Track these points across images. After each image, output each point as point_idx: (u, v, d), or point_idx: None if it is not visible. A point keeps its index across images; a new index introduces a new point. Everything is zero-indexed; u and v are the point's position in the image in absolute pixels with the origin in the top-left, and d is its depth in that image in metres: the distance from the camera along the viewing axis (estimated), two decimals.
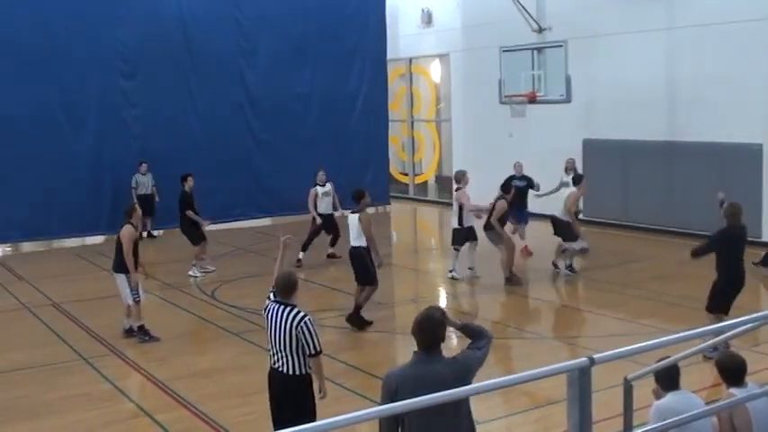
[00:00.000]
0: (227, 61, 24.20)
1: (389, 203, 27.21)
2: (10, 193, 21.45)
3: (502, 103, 24.81)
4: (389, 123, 27.78)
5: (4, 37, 21.15)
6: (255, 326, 13.63)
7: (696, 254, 11.29)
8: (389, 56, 27.42)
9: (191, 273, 17.79)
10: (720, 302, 11.17)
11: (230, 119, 24.26)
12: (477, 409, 9.00)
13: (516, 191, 18.00)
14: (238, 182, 24.12)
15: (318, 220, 18.58)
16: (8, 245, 22.31)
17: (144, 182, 22.31)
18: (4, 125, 21.23)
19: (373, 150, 26.61)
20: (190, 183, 17.99)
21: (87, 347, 12.84)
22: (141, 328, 13.08)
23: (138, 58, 22.92)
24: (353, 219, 13.36)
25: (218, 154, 23.69)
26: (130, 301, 12.95)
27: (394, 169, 29.49)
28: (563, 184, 18.98)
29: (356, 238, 13.34)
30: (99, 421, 9.98)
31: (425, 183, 30.22)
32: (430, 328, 5.59)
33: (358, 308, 13.41)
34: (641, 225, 21.21)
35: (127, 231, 12.85)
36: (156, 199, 22.42)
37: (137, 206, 14.07)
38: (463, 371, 5.50)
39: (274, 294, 7.73)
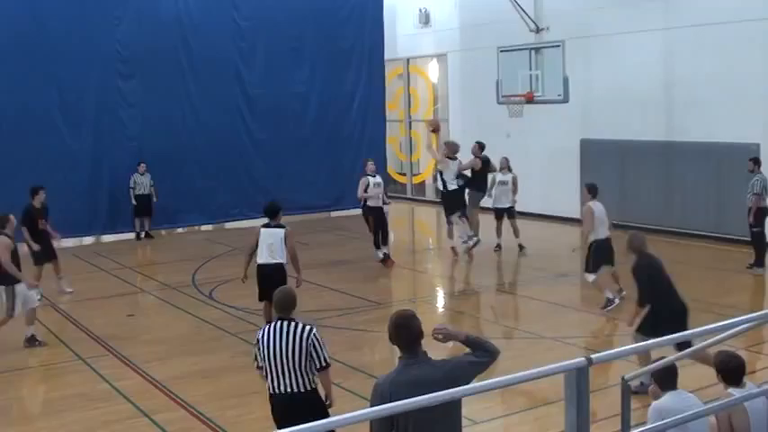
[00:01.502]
0: (224, 62, 24.21)
1: (388, 203, 27.15)
2: (6, 193, 21.37)
3: (499, 103, 24.82)
4: (387, 123, 27.79)
5: (2, 37, 21.12)
6: (253, 325, 13.65)
7: (641, 304, 10.14)
8: (387, 56, 27.42)
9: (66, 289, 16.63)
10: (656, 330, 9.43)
11: (227, 119, 24.26)
12: (475, 409, 9.10)
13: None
14: (236, 182, 24.13)
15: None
16: None
17: (142, 182, 22.31)
18: (1, 124, 21.22)
19: (370, 150, 26.54)
20: (40, 197, 16.40)
21: (85, 348, 12.84)
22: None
23: (136, 59, 22.91)
24: (274, 233, 12.37)
25: (215, 154, 23.69)
26: (18, 311, 12.77)
27: (391, 169, 29.50)
28: (501, 183, 19.47)
29: (277, 254, 12.30)
30: (98, 421, 9.98)
31: (423, 183, 30.22)
32: (406, 323, 5.52)
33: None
34: (638, 225, 21.13)
35: (1, 242, 12.75)
36: (154, 199, 22.42)
37: (11, 216, 13.51)
38: (453, 376, 5.29)
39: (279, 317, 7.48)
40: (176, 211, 23.29)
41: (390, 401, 4.95)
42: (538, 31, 23.70)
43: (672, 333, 8.68)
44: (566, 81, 23.01)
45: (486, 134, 25.39)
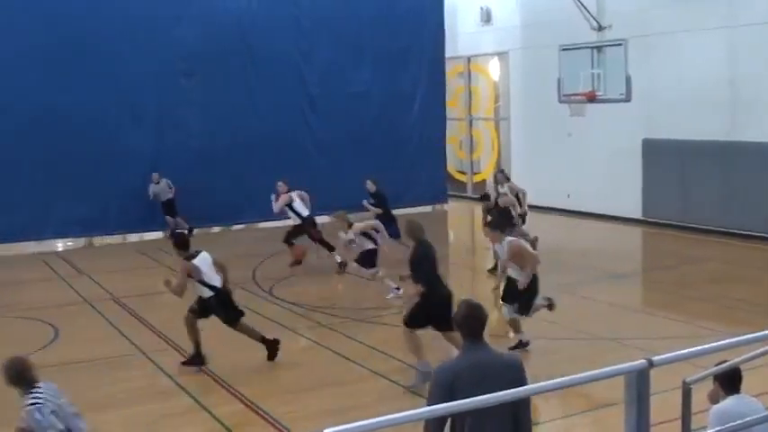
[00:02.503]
0: (285, 60, 24.38)
1: (447, 202, 27.19)
2: (71, 190, 21.82)
3: (561, 102, 24.66)
4: (447, 122, 27.77)
5: (64, 37, 21.51)
6: (312, 322, 13.76)
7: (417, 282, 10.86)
8: (448, 54, 27.38)
9: None
10: (420, 318, 10.79)
11: (288, 118, 24.41)
12: (537, 409, 9.03)
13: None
14: (296, 180, 24.20)
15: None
16: (69, 239, 22.67)
17: (160, 190, 22.34)
18: (64, 124, 21.60)
19: (430, 149, 26.61)
20: None
21: (147, 342, 13.01)
22: None
23: (198, 57, 23.14)
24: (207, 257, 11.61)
25: (275, 152, 23.80)
26: None
27: (452, 168, 29.45)
28: (501, 195, 18.63)
29: (215, 277, 11.59)
30: (158, 414, 10.13)
31: (483, 182, 30.11)
32: (476, 312, 5.68)
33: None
34: (700, 226, 20.93)
35: None
36: (170, 196, 22.42)
37: None
38: (517, 365, 5.62)
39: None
40: (235, 208, 23.47)
41: (453, 388, 5.22)
42: (600, 29, 23.47)
43: (439, 319, 10.46)
44: (628, 80, 22.76)
45: (548, 133, 25.33)
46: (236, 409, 10.14)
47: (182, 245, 11.74)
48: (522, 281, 11.74)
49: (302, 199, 18.80)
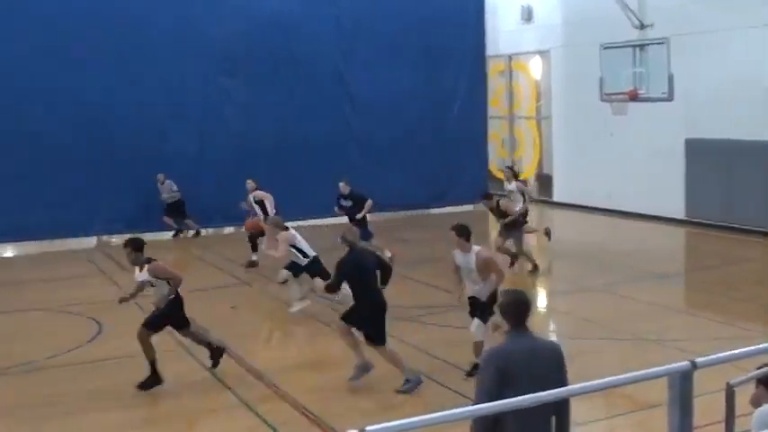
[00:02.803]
0: (325, 60, 24.55)
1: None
2: (114, 188, 22.08)
3: (602, 100, 24.52)
4: (489, 120, 27.73)
5: (106, 36, 21.84)
6: None
7: (330, 289, 11.25)
8: (489, 52, 27.36)
9: None
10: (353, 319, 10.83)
11: (329, 117, 24.51)
12: (580, 409, 8.99)
13: (343, 210, 18.32)
14: (338, 180, 24.33)
15: None
16: (113, 236, 22.88)
17: (167, 190, 22.39)
18: (108, 123, 21.97)
19: (472, 148, 26.59)
20: None
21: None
22: None
23: (239, 57, 23.39)
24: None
25: (317, 152, 23.95)
26: None
27: (494, 167, 29.36)
28: (507, 193, 18.65)
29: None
30: (200, 409, 10.25)
31: (525, 181, 29.98)
32: (524, 299, 6.02)
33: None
34: (744, 226, 20.73)
35: None
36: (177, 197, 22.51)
37: None
38: (559, 349, 6.03)
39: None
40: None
41: (506, 365, 5.64)
42: (642, 27, 23.29)
43: (372, 325, 10.52)
44: (671, 79, 22.56)
45: (589, 132, 25.20)
46: (279, 407, 10.20)
47: (139, 248, 11.25)
48: (483, 292, 10.88)
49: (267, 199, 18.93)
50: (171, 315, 11.21)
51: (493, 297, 10.57)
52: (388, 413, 9.15)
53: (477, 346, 10.77)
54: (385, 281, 10.97)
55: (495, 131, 29.28)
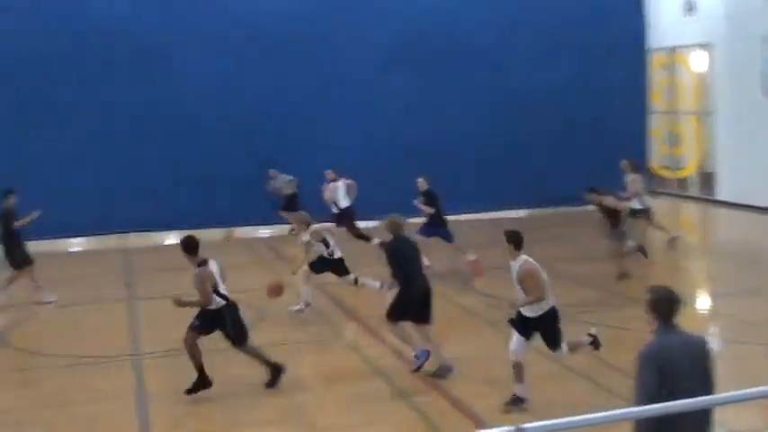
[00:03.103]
0: (485, 55, 24.56)
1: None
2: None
3: (764, 95, 23.62)
4: (651, 115, 27.13)
5: (266, 31, 22.71)
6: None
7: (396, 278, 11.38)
8: (650, 45, 26.77)
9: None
10: (400, 312, 11.16)
11: (491, 112, 24.52)
12: (729, 416, 8.70)
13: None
14: (500, 174, 24.35)
15: None
16: (272, 227, 23.39)
17: (281, 184, 22.38)
18: (267, 119, 22.88)
19: (632, 143, 26.01)
20: (10, 201, 15.99)
21: (346, 327, 13.40)
22: None
23: (400, 53, 23.71)
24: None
25: (479, 147, 24.05)
26: None
27: (655, 163, 28.68)
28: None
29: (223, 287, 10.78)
30: (355, 398, 10.50)
31: (686, 178, 29.19)
32: (675, 297, 6.02)
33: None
34: None
35: None
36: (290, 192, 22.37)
37: None
38: (707, 343, 6.13)
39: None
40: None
41: (664, 359, 5.74)
42: None
43: (417, 314, 10.94)
44: None
45: (754, 128, 24.33)
46: (433, 400, 10.33)
47: (191, 249, 10.58)
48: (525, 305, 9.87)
49: (348, 188, 19.64)
50: (215, 322, 10.51)
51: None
52: (544, 411, 9.11)
53: (517, 369, 9.85)
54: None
55: (657, 127, 28.60)
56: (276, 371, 10.79)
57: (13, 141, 21.68)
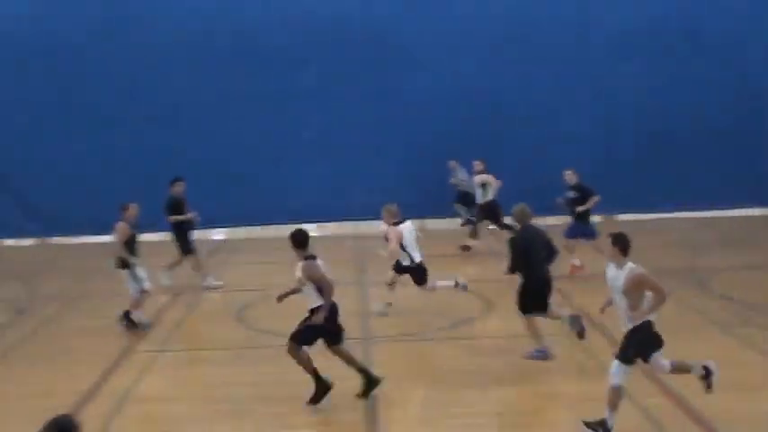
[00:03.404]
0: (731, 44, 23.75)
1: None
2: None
3: None
4: None
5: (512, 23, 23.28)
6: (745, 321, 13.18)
7: (511, 270, 11.56)
8: None
9: (164, 281, 16.71)
10: (527, 303, 11.42)
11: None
12: None
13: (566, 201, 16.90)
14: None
15: None
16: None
17: (462, 180, 21.83)
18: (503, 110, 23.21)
19: None
20: (176, 188, 16.73)
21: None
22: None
23: (636, 40, 23.37)
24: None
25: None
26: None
27: None
28: None
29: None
30: (576, 397, 10.38)
31: None
32: None
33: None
34: None
35: (119, 227, 13.92)
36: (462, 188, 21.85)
37: (129, 205, 14.27)
38: None
39: None
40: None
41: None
42: None
43: (538, 303, 11.31)
44: None
45: None
46: (663, 403, 10.00)
47: (300, 243, 10.39)
48: (636, 316, 8.91)
49: (485, 184, 19.17)
50: (321, 327, 10.18)
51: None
52: None
53: (613, 394, 8.95)
54: (549, 261, 11.61)
55: None
56: (373, 382, 10.36)
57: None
